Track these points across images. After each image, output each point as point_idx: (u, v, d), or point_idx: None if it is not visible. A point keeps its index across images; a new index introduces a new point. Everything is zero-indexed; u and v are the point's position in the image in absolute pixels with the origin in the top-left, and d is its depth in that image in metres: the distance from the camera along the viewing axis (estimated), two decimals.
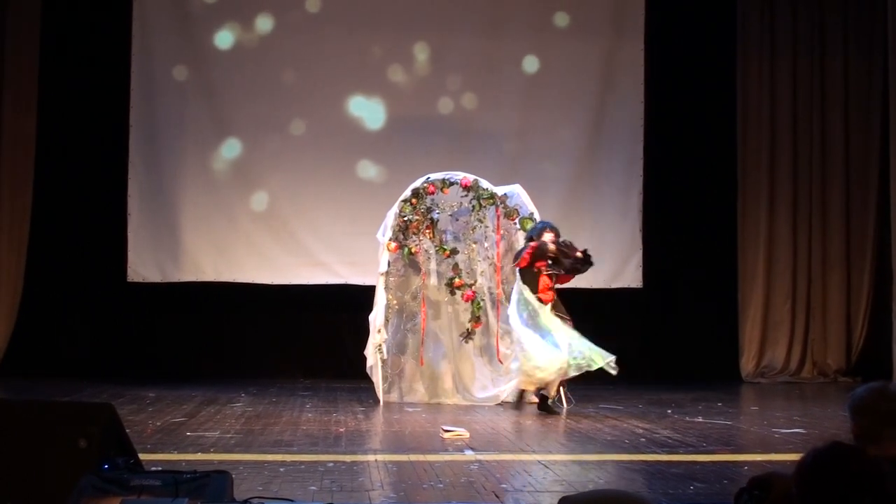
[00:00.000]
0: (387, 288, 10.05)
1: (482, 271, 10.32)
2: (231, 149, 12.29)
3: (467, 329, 10.18)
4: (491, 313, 10.27)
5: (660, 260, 12.67)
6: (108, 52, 12.13)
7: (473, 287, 10.23)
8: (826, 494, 2.40)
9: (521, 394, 9.87)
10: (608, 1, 12.71)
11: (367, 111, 12.38)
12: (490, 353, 10.30)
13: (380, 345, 9.90)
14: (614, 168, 12.66)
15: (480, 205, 10.15)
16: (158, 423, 8.26)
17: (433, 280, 10.29)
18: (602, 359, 9.21)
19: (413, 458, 6.80)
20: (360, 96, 12.38)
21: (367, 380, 10.03)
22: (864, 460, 2.42)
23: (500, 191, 10.22)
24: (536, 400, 9.61)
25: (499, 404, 9.93)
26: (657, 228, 12.68)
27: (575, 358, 9.17)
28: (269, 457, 6.66)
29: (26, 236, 12.01)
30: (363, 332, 10.11)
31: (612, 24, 12.68)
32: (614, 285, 12.55)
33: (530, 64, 12.51)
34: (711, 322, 12.83)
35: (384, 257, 10.06)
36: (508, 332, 9.84)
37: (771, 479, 2.95)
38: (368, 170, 12.32)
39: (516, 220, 10.20)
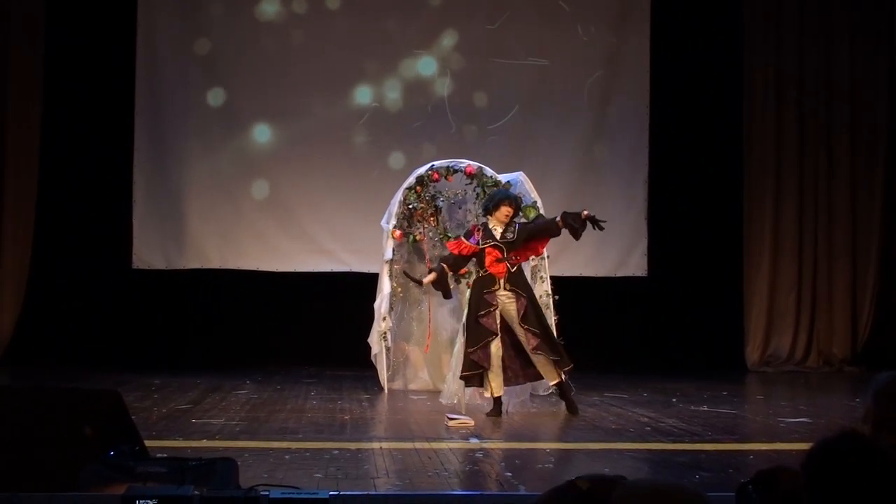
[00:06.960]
0: (391, 276, 10.04)
1: None
2: (236, 136, 12.27)
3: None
4: None
5: (665, 248, 12.64)
6: (113, 37, 12.08)
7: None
8: (837, 484, 2.37)
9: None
10: None
11: (372, 100, 12.35)
12: None
13: (384, 333, 9.90)
14: (619, 156, 12.63)
15: (485, 192, 10.10)
16: (164, 410, 8.27)
17: None
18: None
19: (418, 445, 6.81)
20: (366, 85, 12.36)
21: (372, 368, 10.02)
22: (875, 449, 2.39)
23: (503, 178, 10.20)
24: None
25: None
26: (662, 217, 12.65)
27: None
28: (275, 444, 6.67)
29: (32, 224, 12.00)
30: (368, 320, 10.11)
31: (618, 13, 12.63)
32: (619, 273, 12.54)
33: (535, 53, 12.45)
34: (717, 310, 12.79)
35: (389, 245, 10.05)
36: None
37: (776, 474, 2.90)
38: (372, 158, 12.29)
39: None
